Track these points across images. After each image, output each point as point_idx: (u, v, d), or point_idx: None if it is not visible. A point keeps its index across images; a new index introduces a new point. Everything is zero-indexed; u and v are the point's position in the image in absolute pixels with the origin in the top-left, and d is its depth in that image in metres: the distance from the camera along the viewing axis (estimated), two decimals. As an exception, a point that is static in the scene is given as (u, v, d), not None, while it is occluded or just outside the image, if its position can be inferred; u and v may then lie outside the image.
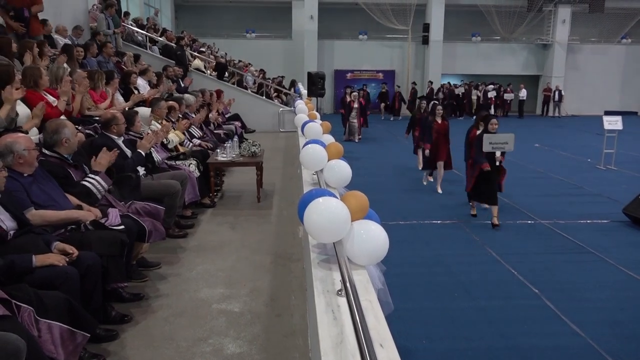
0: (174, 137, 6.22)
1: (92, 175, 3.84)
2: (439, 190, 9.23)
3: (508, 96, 25.19)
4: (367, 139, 16.22)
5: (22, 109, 4.33)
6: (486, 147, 6.99)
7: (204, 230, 5.40)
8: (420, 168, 10.44)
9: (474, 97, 25.19)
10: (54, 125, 3.73)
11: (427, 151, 9.06)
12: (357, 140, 15.73)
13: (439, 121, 9.06)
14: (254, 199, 6.51)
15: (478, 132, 7.44)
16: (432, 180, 9.91)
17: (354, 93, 15.96)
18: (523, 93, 25.05)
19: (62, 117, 4.62)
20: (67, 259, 2.89)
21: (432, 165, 9.35)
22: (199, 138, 7.33)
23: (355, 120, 15.72)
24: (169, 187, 4.89)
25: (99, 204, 3.77)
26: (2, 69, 4.32)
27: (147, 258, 4.31)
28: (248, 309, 3.65)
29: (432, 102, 10.03)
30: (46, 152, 3.71)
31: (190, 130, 7.26)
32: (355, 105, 15.54)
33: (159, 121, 6.21)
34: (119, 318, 3.36)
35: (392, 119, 22.96)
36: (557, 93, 24.94)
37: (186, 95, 8.26)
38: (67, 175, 3.70)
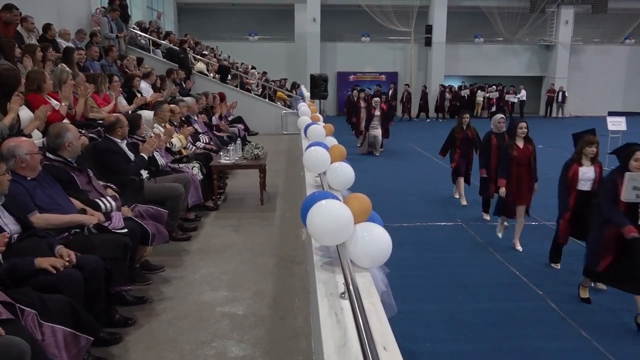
0: (176, 141, 6.23)
1: (110, 200, 3.87)
2: (518, 247, 6.32)
3: (510, 97, 25.07)
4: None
5: (26, 114, 4.35)
6: (628, 195, 4.33)
7: (207, 233, 5.41)
8: (464, 203, 8.35)
9: (479, 99, 25.19)
10: (56, 129, 3.75)
11: (501, 189, 6.14)
12: (377, 154, 13.29)
13: (521, 145, 6.09)
14: (257, 201, 6.52)
15: (581, 168, 5.17)
16: (486, 216, 7.54)
17: (376, 99, 13.36)
18: (522, 94, 25.00)
19: (65, 120, 4.64)
20: (67, 264, 2.89)
21: (509, 211, 6.35)
22: (206, 143, 7.34)
23: (378, 130, 13.11)
24: (172, 190, 4.90)
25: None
26: (10, 74, 4.36)
27: (150, 261, 4.31)
28: (251, 311, 3.65)
29: (503, 118, 7.21)
30: (50, 156, 3.73)
31: (198, 135, 7.31)
32: (377, 112, 12.95)
33: (162, 124, 6.22)
34: (122, 321, 3.36)
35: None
36: (560, 94, 24.87)
37: (186, 98, 8.28)
38: (70, 179, 3.72)
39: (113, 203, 3.84)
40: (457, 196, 8.68)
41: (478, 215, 7.75)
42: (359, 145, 13.71)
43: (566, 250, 5.80)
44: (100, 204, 3.76)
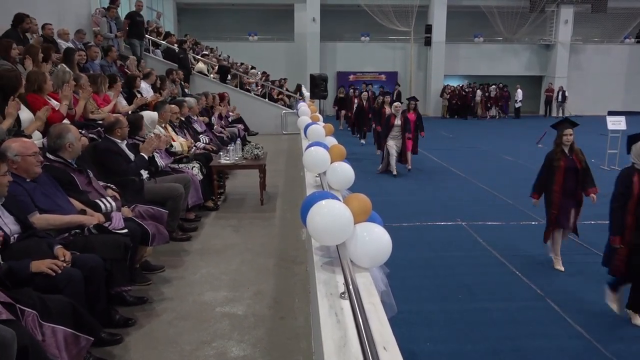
0: (178, 145, 6.24)
1: (110, 200, 3.88)
2: None
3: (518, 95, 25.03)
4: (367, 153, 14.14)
5: (26, 114, 4.35)
6: None
7: (207, 234, 5.41)
8: (559, 268, 5.63)
9: (477, 98, 25.21)
10: (57, 130, 3.75)
11: None
12: (395, 173, 10.55)
13: None
14: (257, 201, 6.52)
15: None
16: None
17: (397, 104, 10.77)
18: (519, 94, 24.99)
19: (66, 121, 4.64)
20: (65, 265, 2.89)
21: None
22: (206, 143, 7.35)
23: (398, 142, 10.53)
24: (172, 190, 4.90)
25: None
26: (11, 75, 4.37)
27: (150, 261, 4.31)
28: (252, 311, 3.65)
29: None
30: (50, 156, 3.73)
31: (198, 135, 7.32)
32: (397, 121, 10.42)
33: (163, 125, 6.22)
34: (123, 321, 3.37)
35: (362, 142, 15.51)
36: (560, 93, 24.83)
37: (187, 98, 8.29)
38: (70, 180, 3.72)
39: (113, 203, 3.85)
40: (557, 260, 5.77)
41: (478, 215, 7.72)
42: (378, 152, 11.61)
43: (564, 249, 5.81)
44: (101, 204, 3.76)
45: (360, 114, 15.71)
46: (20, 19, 6.96)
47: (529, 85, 25.68)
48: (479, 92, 25.24)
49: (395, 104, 10.79)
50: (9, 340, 2.11)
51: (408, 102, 11.01)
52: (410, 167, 10.97)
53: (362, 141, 15.53)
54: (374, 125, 12.87)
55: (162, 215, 4.23)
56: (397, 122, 10.45)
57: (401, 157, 10.75)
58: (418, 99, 11.58)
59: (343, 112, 19.30)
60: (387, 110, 11.23)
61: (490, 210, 7.67)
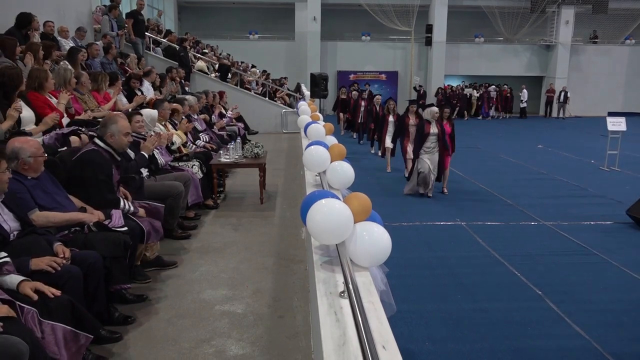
0: (176, 138, 6.23)
1: (130, 204, 3.97)
2: None
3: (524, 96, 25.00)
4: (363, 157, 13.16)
5: (27, 113, 4.35)
6: None
7: (206, 232, 5.41)
8: None
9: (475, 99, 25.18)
10: (106, 118, 4.00)
11: None
12: (430, 195, 8.71)
13: None
14: (257, 200, 6.52)
15: None
16: None
17: (434, 109, 8.50)
18: (524, 94, 24.98)
19: (65, 119, 4.65)
20: (65, 262, 2.90)
21: None
22: (207, 142, 7.34)
23: (434, 157, 8.46)
24: (172, 188, 4.90)
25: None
26: (12, 72, 4.37)
27: (163, 258, 4.37)
28: (251, 310, 3.65)
29: None
30: (99, 143, 3.91)
31: (199, 134, 7.31)
32: (433, 129, 8.35)
33: (163, 123, 6.22)
34: (122, 319, 3.37)
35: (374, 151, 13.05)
36: (562, 94, 24.77)
37: (188, 97, 8.29)
38: (109, 174, 3.83)
39: (132, 207, 3.92)
40: None
41: (478, 215, 7.73)
42: (405, 175, 9.57)
43: (563, 249, 5.80)
44: (122, 202, 3.87)
45: (376, 121, 12.86)
46: (27, 20, 6.94)
47: (529, 86, 25.65)
48: (475, 92, 25.19)
49: (433, 109, 8.50)
50: (24, 353, 2.15)
51: (441, 107, 8.89)
52: (446, 190, 8.97)
53: (374, 150, 13.08)
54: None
55: (158, 210, 4.23)
56: (434, 130, 8.34)
57: (438, 175, 8.67)
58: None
59: (342, 115, 16.90)
60: (411, 120, 9.24)
61: (490, 210, 7.66)
